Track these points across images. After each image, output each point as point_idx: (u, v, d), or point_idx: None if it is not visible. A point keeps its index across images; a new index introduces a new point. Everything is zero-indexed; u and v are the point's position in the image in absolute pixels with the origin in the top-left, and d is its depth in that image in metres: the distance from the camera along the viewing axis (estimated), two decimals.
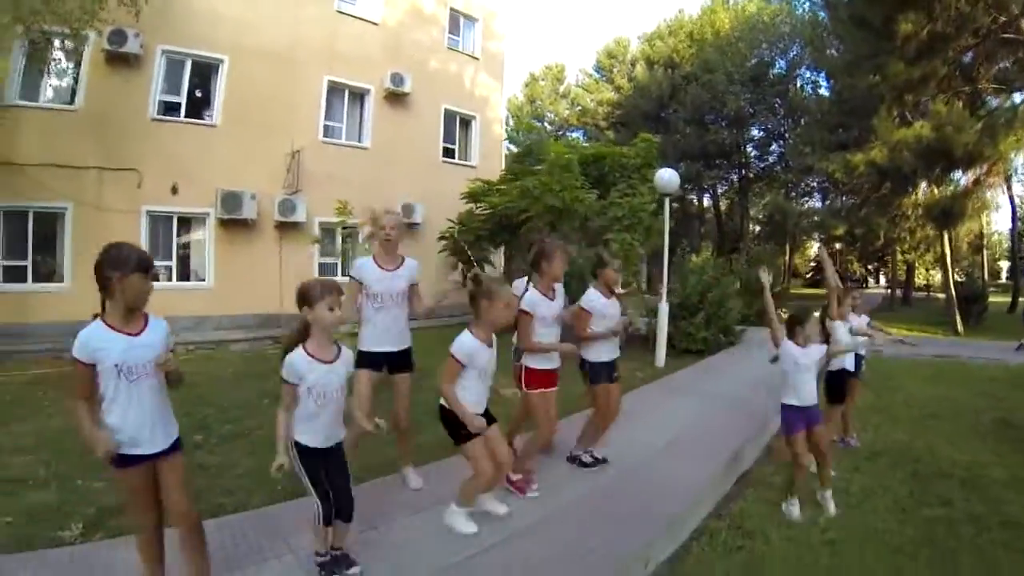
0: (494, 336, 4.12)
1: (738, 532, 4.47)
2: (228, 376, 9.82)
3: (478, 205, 16.97)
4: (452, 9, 20.86)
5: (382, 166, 17.99)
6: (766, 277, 5.38)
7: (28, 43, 12.58)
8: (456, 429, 4.05)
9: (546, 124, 49.85)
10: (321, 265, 17.26)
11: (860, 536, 4.43)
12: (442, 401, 4.01)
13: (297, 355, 3.36)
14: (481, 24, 21.86)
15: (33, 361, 10.48)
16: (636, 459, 5.63)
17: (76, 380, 2.86)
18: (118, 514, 4.06)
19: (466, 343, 3.97)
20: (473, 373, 3.99)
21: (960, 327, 21.30)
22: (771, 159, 42.55)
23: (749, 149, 43.12)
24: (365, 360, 4.52)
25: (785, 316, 5.24)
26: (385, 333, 4.64)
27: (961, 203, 21.99)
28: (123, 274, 2.82)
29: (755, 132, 42.48)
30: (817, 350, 4.97)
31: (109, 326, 2.89)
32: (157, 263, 14.34)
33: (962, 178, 22.88)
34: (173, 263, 15.32)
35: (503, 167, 21.63)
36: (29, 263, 13.45)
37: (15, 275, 13.23)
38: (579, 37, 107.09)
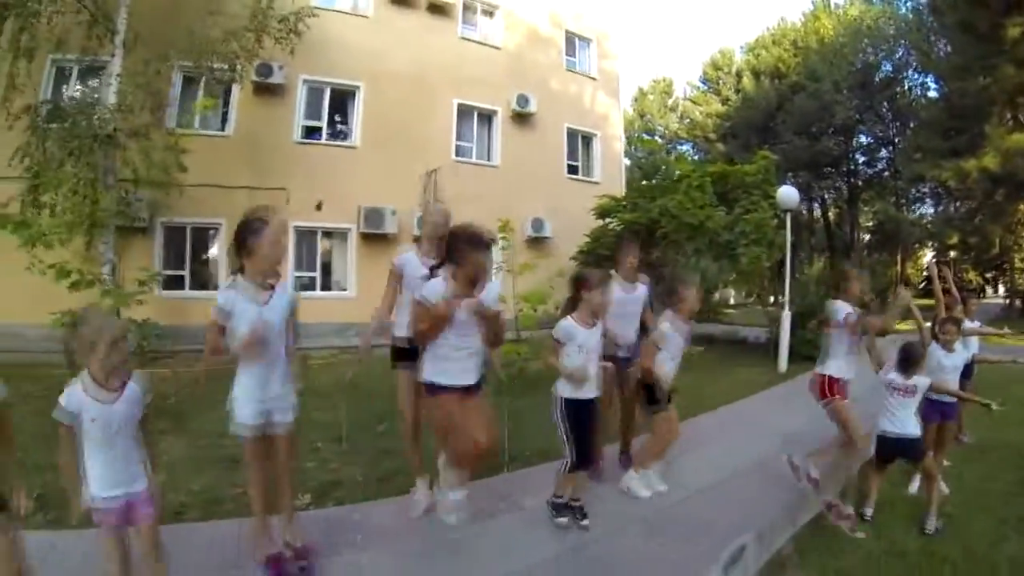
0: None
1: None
2: (380, 374, 10.33)
3: (609, 220, 17.21)
4: (567, 31, 21.35)
5: (511, 183, 18.52)
6: (907, 296, 5.18)
7: (183, 78, 13.84)
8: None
9: (657, 138, 49.76)
10: None
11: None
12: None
13: (567, 323, 4.28)
14: (595, 45, 22.26)
15: (195, 359, 11.17)
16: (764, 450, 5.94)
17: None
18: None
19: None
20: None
21: None
22: (880, 166, 41.39)
23: (858, 157, 41.97)
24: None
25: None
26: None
27: None
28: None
29: (863, 139, 41.36)
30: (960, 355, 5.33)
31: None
32: (302, 274, 15.88)
33: None
34: (317, 274, 16.32)
35: (623, 182, 22.08)
36: (187, 272, 14.75)
37: (175, 283, 14.42)
38: (684, 49, 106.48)
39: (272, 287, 3.38)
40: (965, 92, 24.37)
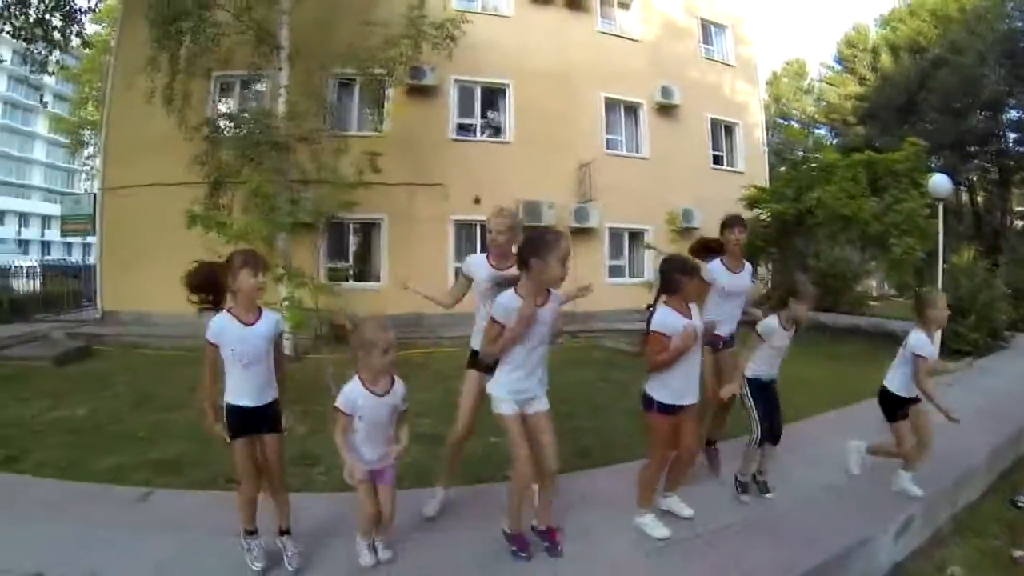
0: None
1: None
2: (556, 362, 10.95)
3: (760, 209, 17.29)
4: (702, 19, 21.40)
5: (659, 174, 18.86)
6: None
7: (337, 83, 14.76)
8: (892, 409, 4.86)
9: (793, 123, 48.49)
10: (611, 267, 18.69)
11: None
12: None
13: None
14: (730, 31, 22.16)
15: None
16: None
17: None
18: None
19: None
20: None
21: None
22: None
23: (1008, 134, 38.59)
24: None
25: None
26: None
27: None
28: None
29: (1014, 114, 37.90)
30: None
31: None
32: (460, 264, 16.60)
33: None
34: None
35: (767, 171, 22.05)
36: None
37: (338, 276, 15.25)
38: (817, 28, 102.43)
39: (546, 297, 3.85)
40: None
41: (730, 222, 5.17)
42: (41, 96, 27.68)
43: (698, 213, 18.87)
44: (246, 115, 13.29)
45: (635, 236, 19.32)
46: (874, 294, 26.32)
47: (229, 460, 3.89)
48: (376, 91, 14.73)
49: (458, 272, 4.81)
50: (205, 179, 12.90)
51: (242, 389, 3.55)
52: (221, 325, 3.53)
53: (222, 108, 14.35)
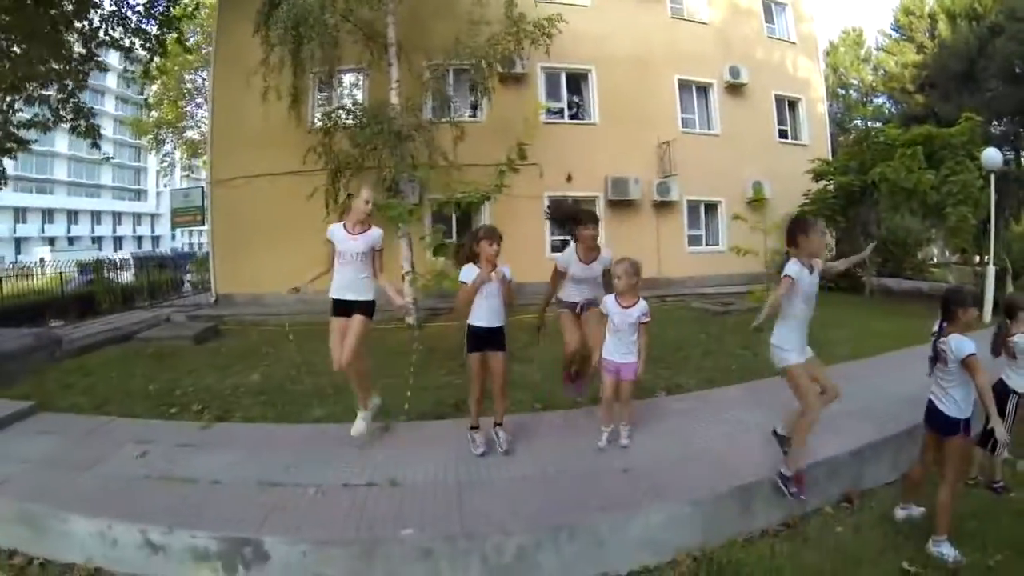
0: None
1: None
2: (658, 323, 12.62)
3: (827, 181, 18.61)
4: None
5: (731, 150, 20.02)
6: None
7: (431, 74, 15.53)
8: None
9: (852, 92, 48.47)
10: (690, 236, 20.19)
11: None
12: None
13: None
14: (791, 9, 23.09)
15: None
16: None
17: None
18: None
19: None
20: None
21: None
22: None
23: None
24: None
25: None
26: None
27: None
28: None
29: None
30: None
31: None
32: (558, 237, 17.85)
33: None
34: (571, 237, 18.11)
35: (829, 143, 23.16)
36: (455, 241, 16.86)
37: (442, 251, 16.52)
38: None
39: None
40: None
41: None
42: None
43: (767, 185, 20.03)
44: (363, 108, 14.89)
45: (711, 208, 20.67)
46: (935, 260, 27.21)
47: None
48: (476, 81, 15.61)
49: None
50: (324, 168, 14.44)
51: (480, 315, 5.28)
52: (472, 272, 5.25)
53: (337, 102, 15.59)
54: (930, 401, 4.52)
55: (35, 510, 4.51)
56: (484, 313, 5.27)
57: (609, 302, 5.38)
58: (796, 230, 4.67)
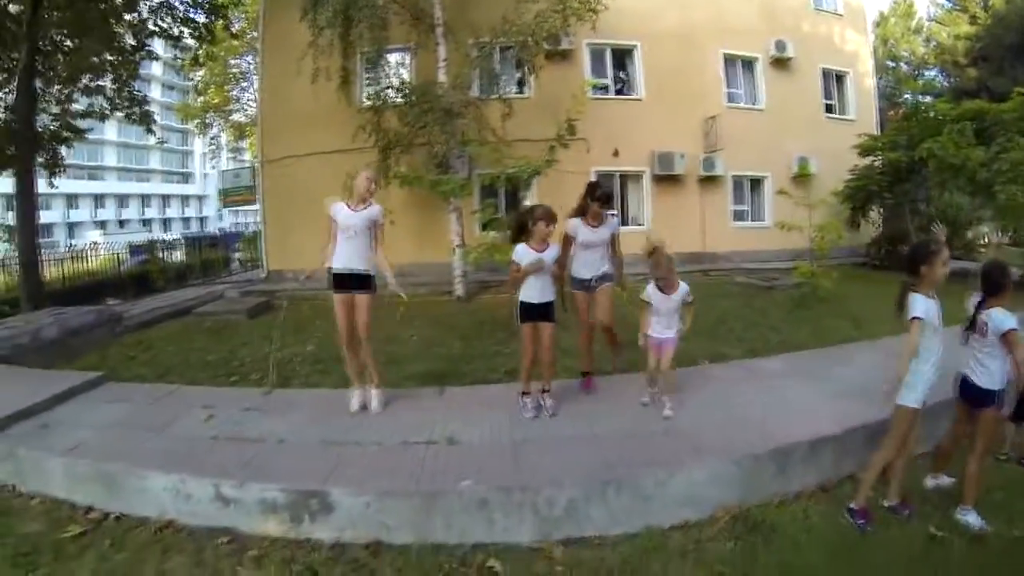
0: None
1: None
2: (698, 297, 13.17)
3: (875, 156, 18.45)
4: None
5: (776, 125, 19.83)
6: None
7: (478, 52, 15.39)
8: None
9: (902, 65, 47.50)
10: (734, 211, 20.13)
11: None
12: None
13: None
14: None
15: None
16: None
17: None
18: None
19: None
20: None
21: None
22: None
23: None
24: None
25: None
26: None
27: None
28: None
29: None
30: None
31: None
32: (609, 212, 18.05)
33: None
34: (617, 211, 17.78)
35: (876, 118, 22.67)
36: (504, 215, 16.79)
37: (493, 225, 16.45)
38: None
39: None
40: None
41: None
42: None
43: (813, 160, 19.84)
44: (411, 86, 15.14)
45: (756, 183, 20.57)
46: (986, 240, 26.73)
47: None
48: (523, 58, 15.78)
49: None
50: (374, 145, 14.76)
51: (531, 292, 5.59)
52: (524, 253, 5.58)
53: (385, 82, 15.67)
54: (964, 374, 4.60)
55: (112, 468, 4.84)
56: (535, 291, 5.60)
57: (650, 290, 5.61)
58: (919, 259, 4.37)
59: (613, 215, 6.41)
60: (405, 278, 11.28)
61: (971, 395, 4.55)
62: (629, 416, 5.61)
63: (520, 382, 5.86)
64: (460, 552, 4.09)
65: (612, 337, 6.58)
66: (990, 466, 4.87)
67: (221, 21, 18.96)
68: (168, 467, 4.70)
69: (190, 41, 19.61)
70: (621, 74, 19.25)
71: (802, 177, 19.47)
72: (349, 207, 5.89)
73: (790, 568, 3.93)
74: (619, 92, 19.23)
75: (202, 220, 79.35)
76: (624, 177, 18.96)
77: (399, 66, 17.32)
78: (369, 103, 15.57)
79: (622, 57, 19.18)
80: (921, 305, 4.23)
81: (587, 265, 6.22)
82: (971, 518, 4.36)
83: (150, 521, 4.49)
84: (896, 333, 4.50)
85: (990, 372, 4.43)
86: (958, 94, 31.01)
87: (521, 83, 17.78)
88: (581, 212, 6.17)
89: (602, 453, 4.81)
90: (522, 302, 5.61)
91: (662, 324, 5.62)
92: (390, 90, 15.36)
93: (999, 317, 4.34)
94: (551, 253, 5.64)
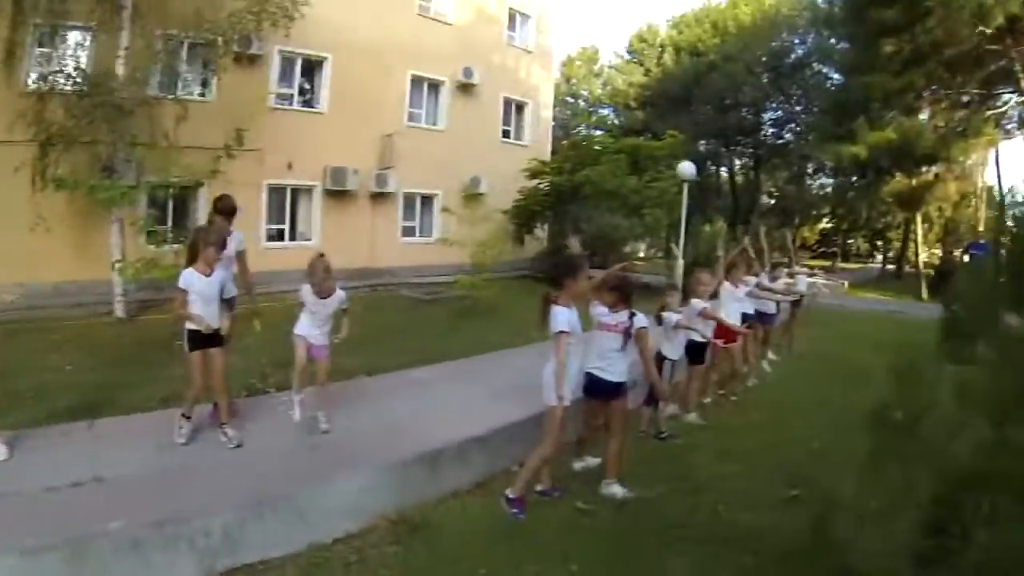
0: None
1: None
2: (363, 312, 12.96)
3: (539, 180, 20.38)
4: (511, 8, 23.72)
5: (454, 146, 20.93)
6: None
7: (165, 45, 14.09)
8: None
9: (580, 102, 52.84)
10: (404, 227, 20.80)
11: None
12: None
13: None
14: (535, 20, 24.65)
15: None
16: None
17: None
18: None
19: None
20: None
21: (925, 294, 25.91)
22: (788, 137, 45.30)
23: (767, 129, 46.23)
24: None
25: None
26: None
27: (920, 193, 28.07)
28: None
29: (772, 114, 45.56)
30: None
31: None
32: (274, 227, 17.69)
33: (927, 172, 28.25)
34: (287, 226, 18.25)
35: (549, 146, 25.24)
36: (169, 227, 15.20)
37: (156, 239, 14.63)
38: (614, 21, 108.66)
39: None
40: (853, 88, 29.24)
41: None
42: None
43: (484, 181, 21.37)
44: (84, 74, 12.97)
45: (427, 200, 21.40)
46: (641, 254, 30.65)
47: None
48: (210, 58, 14.89)
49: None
50: (32, 139, 12.47)
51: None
52: (190, 278, 5.36)
53: (59, 63, 13.32)
54: (590, 374, 5.17)
55: None
56: (207, 315, 5.36)
57: (305, 289, 5.66)
58: (563, 272, 4.90)
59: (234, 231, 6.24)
60: (63, 297, 10.23)
61: (603, 390, 5.16)
62: (283, 433, 5.66)
63: (184, 404, 5.47)
64: None
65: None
66: (631, 443, 5.94)
67: None
68: None
69: None
70: (307, 85, 18.91)
71: (471, 196, 20.98)
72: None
73: (452, 560, 4.25)
74: (306, 104, 18.70)
75: None
76: (296, 191, 18.49)
77: (79, 47, 14.29)
78: (35, 87, 13.25)
79: (312, 68, 18.69)
80: (564, 318, 4.66)
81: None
82: (614, 488, 5.18)
83: None
84: (547, 339, 5.00)
85: (619, 368, 5.12)
86: (626, 132, 35.98)
87: (205, 84, 16.26)
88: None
89: (256, 473, 4.81)
90: (190, 329, 5.34)
91: (316, 326, 5.69)
92: (60, 75, 13.08)
93: (639, 318, 5.20)
94: (217, 278, 5.45)
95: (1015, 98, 27.67)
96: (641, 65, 49.95)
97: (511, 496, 4.87)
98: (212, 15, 13.58)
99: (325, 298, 5.62)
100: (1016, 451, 1.63)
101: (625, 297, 5.19)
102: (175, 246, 12.31)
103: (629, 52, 51.70)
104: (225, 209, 6.14)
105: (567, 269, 4.89)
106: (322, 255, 5.69)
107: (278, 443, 5.45)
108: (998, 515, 1.46)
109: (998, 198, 31.54)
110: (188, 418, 5.41)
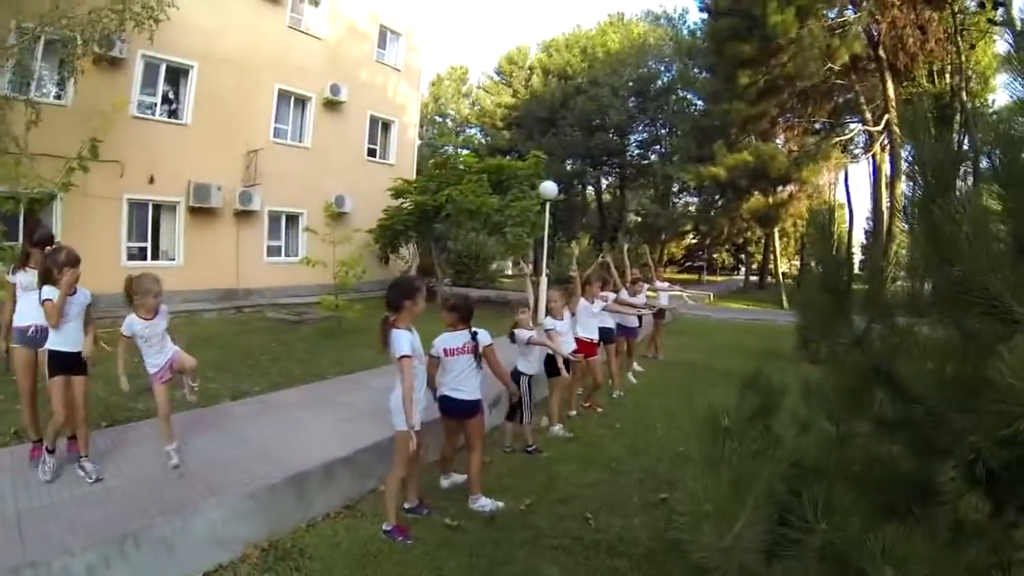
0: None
1: None
2: (228, 335, 12.80)
3: (403, 200, 20.72)
4: (382, 25, 24.09)
5: (319, 163, 21.14)
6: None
7: (18, 41, 13.17)
8: None
9: (448, 121, 53.47)
10: (269, 247, 20.62)
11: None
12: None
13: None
14: (404, 39, 25.15)
15: None
16: None
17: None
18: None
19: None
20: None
21: (785, 303, 27.86)
22: (652, 159, 47.70)
23: (633, 150, 48.73)
24: None
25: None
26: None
27: (776, 211, 30.59)
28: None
29: (637, 136, 48.10)
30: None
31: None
32: (135, 244, 17.04)
33: (782, 191, 31.02)
34: (148, 244, 17.59)
35: (415, 165, 25.86)
36: (19, 244, 14.05)
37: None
38: (484, 41, 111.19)
39: None
40: (713, 114, 31.81)
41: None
42: None
43: (349, 200, 21.64)
44: None
45: (292, 219, 21.27)
46: (509, 272, 31.47)
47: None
48: (67, 58, 13.90)
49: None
50: None
51: (65, 339, 4.90)
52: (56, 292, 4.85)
53: None
54: (444, 396, 5.29)
55: None
56: (68, 336, 4.93)
57: (130, 319, 5.10)
58: (402, 294, 4.77)
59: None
60: None
61: (459, 409, 5.28)
62: (146, 464, 5.29)
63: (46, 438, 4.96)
64: None
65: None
66: (499, 457, 6.40)
67: None
68: None
69: None
70: (172, 94, 18.23)
71: (336, 215, 21.20)
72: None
73: None
74: (171, 114, 18.22)
75: None
76: (159, 207, 17.81)
77: None
78: None
79: (177, 76, 18.09)
80: (406, 341, 4.57)
81: (26, 314, 5.25)
82: (482, 502, 5.30)
83: None
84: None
85: (472, 386, 5.26)
86: (492, 151, 36.98)
87: (61, 86, 15.40)
88: (25, 258, 5.38)
89: (117, 507, 4.48)
90: (51, 351, 4.86)
91: (151, 355, 5.18)
92: None
93: (482, 335, 5.31)
94: (80, 298, 5.00)
95: (860, 127, 32.05)
96: (510, 86, 51.59)
97: (387, 529, 4.85)
98: (70, 9, 12.87)
99: (152, 319, 5.12)
100: (848, 443, 1.99)
101: (465, 317, 5.35)
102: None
103: (498, 73, 53.22)
104: (42, 240, 5.33)
105: (405, 291, 4.80)
106: (75, 261, 4.94)
107: (139, 475, 5.10)
108: (834, 504, 1.68)
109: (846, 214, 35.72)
110: (52, 452, 4.94)
